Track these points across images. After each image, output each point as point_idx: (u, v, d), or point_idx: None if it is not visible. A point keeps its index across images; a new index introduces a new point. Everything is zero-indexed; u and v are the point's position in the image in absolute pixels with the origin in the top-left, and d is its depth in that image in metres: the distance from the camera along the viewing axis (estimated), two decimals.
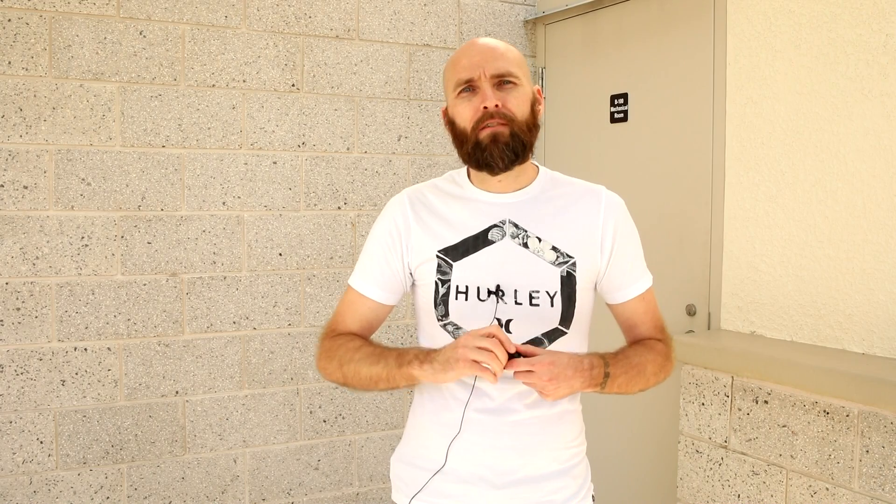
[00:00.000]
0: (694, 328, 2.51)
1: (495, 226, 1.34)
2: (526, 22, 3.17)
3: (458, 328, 1.31)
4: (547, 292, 1.30)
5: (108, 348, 2.53)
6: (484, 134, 1.28)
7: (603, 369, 1.27)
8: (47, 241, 2.44)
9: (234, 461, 2.72)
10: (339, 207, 2.85)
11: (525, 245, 1.32)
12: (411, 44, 2.94)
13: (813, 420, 1.91)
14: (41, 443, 2.45)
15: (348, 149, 2.85)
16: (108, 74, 2.49)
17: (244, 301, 2.71)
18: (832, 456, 1.87)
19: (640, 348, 1.39)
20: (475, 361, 1.18)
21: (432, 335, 1.36)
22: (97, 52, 2.47)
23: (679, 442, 2.28)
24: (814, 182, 2.12)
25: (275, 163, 2.73)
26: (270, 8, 2.70)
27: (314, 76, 2.78)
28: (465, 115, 1.30)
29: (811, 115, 2.13)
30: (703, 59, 2.47)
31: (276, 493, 2.78)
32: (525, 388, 1.28)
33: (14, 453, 2.42)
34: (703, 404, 2.21)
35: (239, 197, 2.69)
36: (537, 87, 1.37)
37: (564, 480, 1.35)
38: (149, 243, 2.56)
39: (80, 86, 2.46)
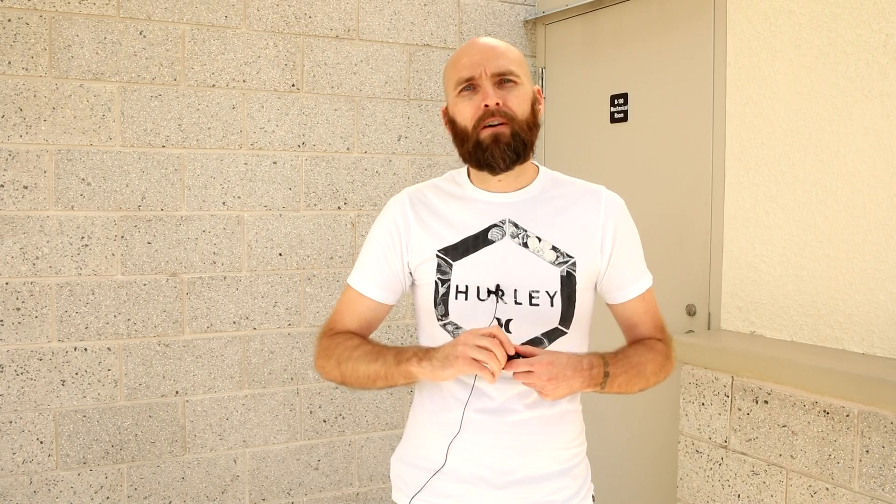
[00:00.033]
0: (694, 328, 2.51)
1: (495, 225, 1.34)
2: (526, 22, 3.17)
3: (458, 328, 1.31)
4: (547, 292, 1.30)
5: (108, 348, 2.53)
6: (485, 134, 1.28)
7: (602, 369, 1.27)
8: (47, 241, 2.44)
9: (234, 461, 2.72)
10: (339, 207, 2.85)
11: (525, 245, 1.32)
12: (411, 44, 2.94)
13: (813, 420, 1.91)
14: (41, 443, 2.45)
15: (348, 149, 2.86)
16: (108, 74, 2.49)
17: (244, 301, 2.71)
18: (832, 456, 1.87)
19: (639, 348, 1.38)
20: (475, 360, 1.18)
21: (432, 335, 1.36)
22: (97, 52, 2.47)
23: (679, 442, 2.28)
24: (814, 182, 2.12)
25: (275, 163, 2.73)
26: (270, 8, 2.70)
27: (314, 76, 2.78)
28: (466, 114, 1.30)
29: (811, 115, 2.13)
30: (703, 59, 2.47)
31: (276, 493, 2.78)
32: (525, 388, 1.28)
33: (14, 453, 2.42)
34: (703, 404, 2.21)
35: (239, 197, 2.69)
36: (537, 86, 1.37)
37: (564, 480, 1.35)
38: (149, 243, 2.56)
39: (80, 86, 2.46)
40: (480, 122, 1.28)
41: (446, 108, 1.37)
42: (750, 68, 2.29)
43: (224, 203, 2.67)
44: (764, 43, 2.25)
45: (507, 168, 1.30)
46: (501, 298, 1.30)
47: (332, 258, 2.84)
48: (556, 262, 1.32)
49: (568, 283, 1.31)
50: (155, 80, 2.55)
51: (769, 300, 2.25)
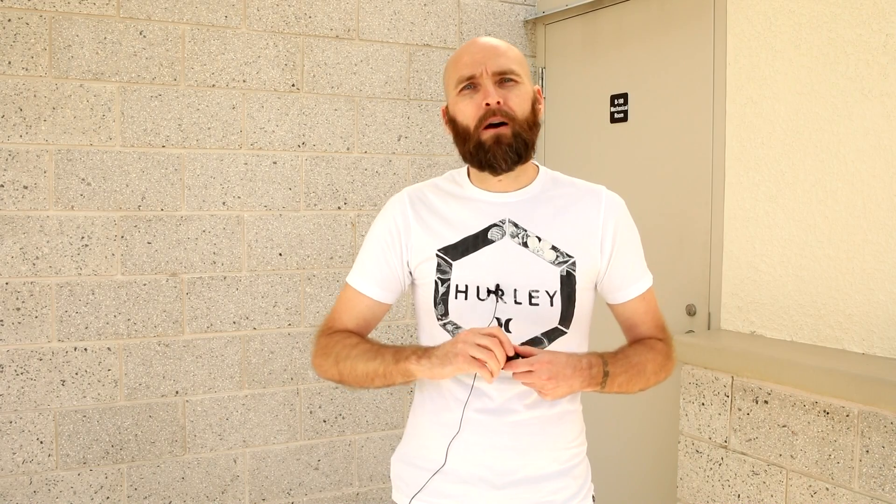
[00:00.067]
0: (694, 328, 2.51)
1: (495, 225, 1.34)
2: (526, 22, 3.17)
3: (458, 327, 1.31)
4: (546, 292, 1.30)
5: (108, 348, 2.53)
6: (487, 135, 1.28)
7: (602, 368, 1.27)
8: (47, 241, 2.44)
9: (234, 461, 2.72)
10: (339, 207, 2.85)
11: (525, 244, 1.32)
12: (411, 44, 2.94)
13: (813, 420, 1.91)
14: (41, 443, 2.45)
15: (348, 149, 2.86)
16: (108, 74, 2.49)
17: (244, 301, 2.71)
18: (832, 456, 1.87)
19: (640, 347, 1.38)
20: (474, 358, 1.18)
21: (432, 335, 1.36)
22: (97, 52, 2.47)
23: (679, 442, 2.28)
24: (814, 182, 2.12)
25: (275, 163, 2.73)
26: (270, 8, 2.70)
27: (314, 76, 2.78)
28: (467, 113, 1.30)
29: (811, 115, 2.13)
30: (703, 59, 2.47)
31: (276, 493, 2.78)
32: (525, 388, 1.28)
33: (14, 453, 2.42)
34: (703, 404, 2.21)
35: (239, 197, 2.69)
36: (537, 86, 1.37)
37: (565, 481, 1.35)
38: (149, 243, 2.56)
39: (80, 86, 2.46)
40: (482, 122, 1.28)
41: (446, 107, 1.37)
42: (750, 68, 2.29)
43: (224, 203, 2.67)
44: (764, 43, 2.25)
45: (509, 169, 1.30)
46: (501, 298, 1.30)
47: (332, 258, 2.84)
48: (556, 262, 1.32)
49: (568, 282, 1.31)
50: (155, 80, 2.55)
51: (769, 300, 2.25)
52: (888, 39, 1.94)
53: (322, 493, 2.86)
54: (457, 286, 1.31)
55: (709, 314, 2.47)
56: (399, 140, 2.94)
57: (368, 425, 2.93)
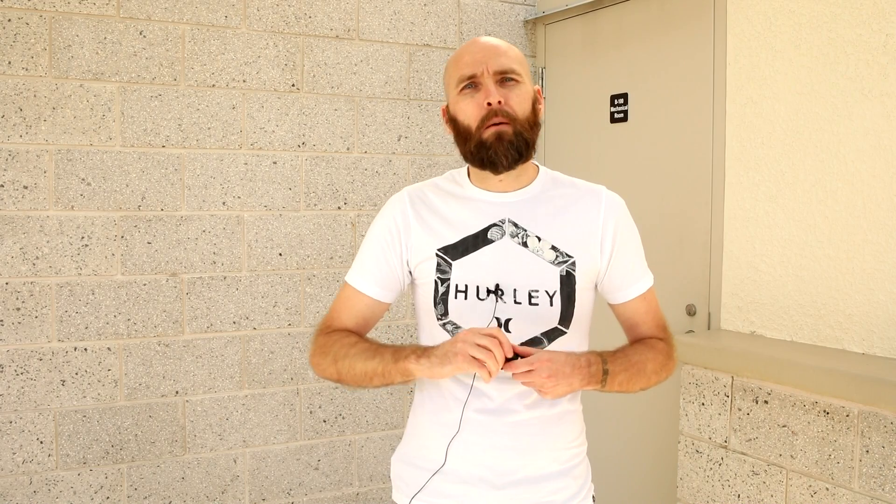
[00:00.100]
0: (694, 328, 2.51)
1: (495, 225, 1.34)
2: (526, 22, 3.17)
3: (458, 327, 1.31)
4: (546, 291, 1.30)
5: (108, 348, 2.53)
6: (488, 133, 1.28)
7: (601, 366, 1.27)
8: (47, 241, 2.44)
9: (234, 461, 2.72)
10: (339, 207, 2.85)
11: (524, 244, 1.32)
12: (411, 44, 2.94)
13: (813, 420, 1.91)
14: (41, 443, 2.45)
15: (348, 149, 2.86)
16: (108, 74, 2.49)
17: (244, 301, 2.71)
18: (832, 456, 1.87)
19: (639, 347, 1.38)
20: (474, 358, 1.18)
21: (432, 334, 1.36)
22: (97, 52, 2.47)
23: (679, 442, 2.28)
24: (814, 182, 2.12)
25: (275, 163, 2.73)
26: (270, 8, 2.70)
27: (314, 76, 2.78)
28: (469, 112, 1.30)
29: (811, 115, 2.13)
30: (703, 59, 2.47)
31: (276, 493, 2.78)
32: (525, 388, 1.28)
33: (14, 453, 2.42)
34: (703, 404, 2.21)
35: (239, 197, 2.69)
36: (537, 86, 1.37)
37: (565, 481, 1.35)
38: (149, 243, 2.56)
39: (80, 86, 2.46)
40: (484, 123, 1.28)
41: (446, 106, 1.37)
42: (750, 68, 2.29)
43: (224, 203, 2.67)
44: (764, 43, 2.25)
45: (510, 166, 1.30)
46: (501, 298, 1.30)
47: (332, 258, 2.84)
48: (556, 262, 1.32)
49: (567, 282, 1.31)
50: (155, 80, 2.55)
51: (769, 300, 2.25)
52: (888, 39, 1.94)
53: (322, 493, 2.86)
54: (456, 286, 1.31)
55: (709, 314, 2.47)
56: (399, 140, 2.94)
57: (368, 425, 2.93)
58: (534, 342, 1.30)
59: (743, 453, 2.09)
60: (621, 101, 2.79)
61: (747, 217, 2.31)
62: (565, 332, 1.32)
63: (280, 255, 2.76)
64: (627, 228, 1.39)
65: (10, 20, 2.36)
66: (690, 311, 2.52)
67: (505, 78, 1.29)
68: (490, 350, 1.17)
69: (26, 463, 2.43)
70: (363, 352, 1.30)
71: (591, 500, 1.42)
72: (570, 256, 1.32)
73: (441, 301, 1.32)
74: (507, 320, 1.30)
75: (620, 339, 1.45)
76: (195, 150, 2.62)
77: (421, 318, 1.40)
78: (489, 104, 1.27)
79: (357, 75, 2.85)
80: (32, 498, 2.44)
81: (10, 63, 2.37)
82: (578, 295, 1.32)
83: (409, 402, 2.97)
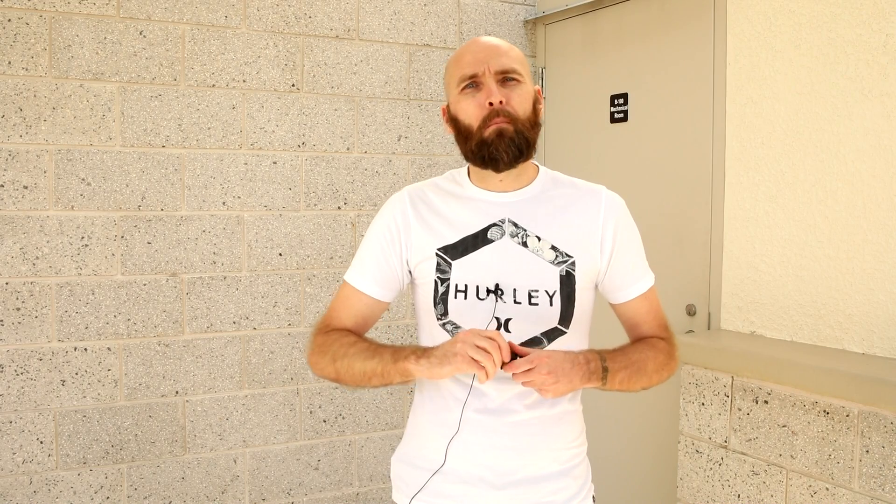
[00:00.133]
0: (694, 328, 2.51)
1: (495, 224, 1.34)
2: (526, 22, 3.17)
3: (458, 327, 1.31)
4: (546, 291, 1.30)
5: (108, 348, 2.53)
6: (489, 130, 1.28)
7: (600, 363, 1.27)
8: (47, 241, 2.44)
9: (234, 461, 2.72)
10: (339, 207, 2.85)
11: (524, 244, 1.32)
12: (411, 44, 2.94)
13: (813, 420, 1.91)
14: (41, 443, 2.45)
15: (348, 149, 2.86)
16: (108, 74, 2.49)
17: (244, 301, 2.71)
18: (832, 456, 1.87)
19: (640, 345, 1.39)
20: (472, 359, 1.18)
21: (432, 334, 1.35)
22: (97, 52, 2.47)
23: (679, 442, 2.28)
24: (814, 182, 2.12)
25: (275, 163, 2.73)
26: (270, 8, 2.70)
27: (314, 76, 2.78)
28: (470, 112, 1.29)
29: (811, 115, 2.13)
30: (703, 59, 2.47)
31: (276, 493, 2.78)
32: (525, 388, 1.28)
33: (14, 453, 2.42)
34: (703, 404, 2.21)
35: (239, 197, 2.69)
36: (537, 87, 1.37)
37: (565, 481, 1.35)
38: (149, 243, 2.56)
39: (80, 86, 2.46)
40: (486, 122, 1.28)
41: (447, 106, 1.37)
42: (750, 68, 2.29)
43: (224, 203, 2.67)
44: (764, 43, 2.25)
45: (511, 164, 1.29)
46: (501, 298, 1.30)
47: (332, 258, 2.84)
48: (556, 262, 1.32)
49: (567, 282, 1.31)
50: (155, 80, 2.55)
51: (769, 300, 2.25)
52: (888, 39, 1.94)
53: (322, 493, 2.86)
54: (456, 286, 1.31)
55: (709, 314, 2.47)
56: (399, 140, 2.94)
57: (368, 425, 2.93)
58: (534, 342, 1.30)
59: (743, 453, 2.09)
60: (621, 101, 2.79)
61: (747, 217, 2.31)
62: (565, 332, 1.32)
63: (280, 255, 2.76)
64: (627, 228, 1.39)
65: (10, 20, 2.36)
66: (690, 311, 2.52)
67: (506, 78, 1.29)
68: (489, 353, 1.17)
69: (26, 463, 2.43)
70: (362, 351, 1.30)
71: (591, 500, 1.42)
72: (569, 256, 1.32)
73: (441, 301, 1.32)
74: (507, 320, 1.30)
75: (621, 340, 1.45)
76: (195, 150, 2.62)
77: (421, 317, 1.40)
78: (491, 104, 1.27)
79: (357, 75, 2.85)
80: (32, 498, 2.44)
81: (10, 63, 2.37)
82: (578, 295, 1.32)
83: (409, 402, 2.97)
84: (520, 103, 1.29)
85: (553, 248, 1.32)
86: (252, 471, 2.75)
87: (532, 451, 1.32)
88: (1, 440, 2.40)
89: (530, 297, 1.30)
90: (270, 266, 2.75)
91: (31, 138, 2.41)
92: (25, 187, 2.40)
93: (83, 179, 2.47)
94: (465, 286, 1.31)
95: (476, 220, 1.35)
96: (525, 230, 1.33)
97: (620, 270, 1.37)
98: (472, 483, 1.32)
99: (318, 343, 1.37)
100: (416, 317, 1.43)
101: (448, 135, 1.38)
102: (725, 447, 2.14)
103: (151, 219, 2.56)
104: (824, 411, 1.88)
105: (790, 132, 2.18)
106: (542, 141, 3.15)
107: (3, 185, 2.38)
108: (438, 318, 1.33)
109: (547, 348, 1.30)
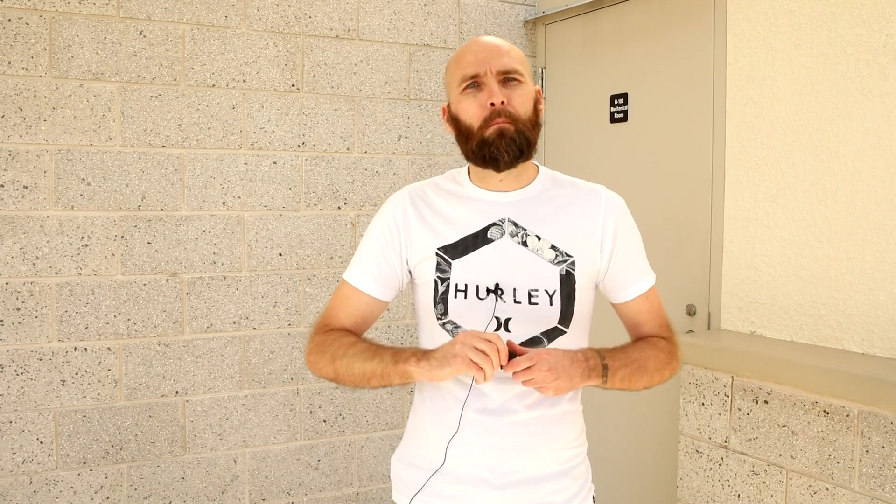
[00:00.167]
0: (694, 328, 2.51)
1: (494, 224, 1.34)
2: (526, 22, 3.17)
3: (458, 327, 1.31)
4: (546, 291, 1.30)
5: (108, 348, 2.53)
6: (490, 130, 1.28)
7: (599, 361, 1.27)
8: (47, 241, 2.44)
9: (234, 461, 2.72)
10: (339, 207, 2.85)
11: (524, 244, 1.32)
12: (411, 44, 2.94)
13: (813, 420, 1.91)
14: (41, 443, 2.45)
15: (348, 149, 2.86)
16: (108, 74, 2.49)
17: (244, 301, 2.71)
18: (832, 456, 1.87)
19: (640, 344, 1.39)
20: (472, 361, 1.18)
21: (432, 334, 1.35)
22: (97, 52, 2.47)
23: (679, 442, 2.28)
24: (814, 182, 2.12)
25: (275, 163, 2.73)
26: (270, 8, 2.70)
27: (314, 76, 2.78)
28: (471, 112, 1.29)
29: (811, 115, 2.13)
30: (703, 59, 2.47)
31: (276, 493, 2.78)
32: (525, 388, 1.28)
33: (14, 453, 2.42)
34: (703, 404, 2.21)
35: (239, 197, 2.69)
36: (538, 87, 1.37)
37: (565, 481, 1.35)
38: (149, 243, 2.56)
39: (80, 86, 2.46)
40: (487, 123, 1.28)
41: (447, 106, 1.37)
42: (750, 68, 2.29)
43: (224, 203, 2.67)
44: (764, 43, 2.25)
45: (512, 163, 1.29)
46: (500, 297, 1.30)
47: (332, 258, 2.84)
48: (556, 261, 1.32)
49: (567, 282, 1.31)
50: (155, 80, 2.55)
51: (769, 300, 2.25)
52: (888, 39, 1.94)
53: (322, 493, 2.85)
54: (456, 285, 1.31)
55: (709, 314, 2.47)
56: (399, 140, 2.94)
57: (368, 425, 2.93)
58: (533, 342, 1.30)
59: (743, 453, 2.09)
60: (621, 101, 2.79)
61: (747, 217, 2.31)
62: (565, 332, 1.32)
63: (280, 255, 2.76)
64: (627, 228, 1.39)
65: (10, 20, 2.36)
66: (690, 311, 2.52)
67: (507, 78, 1.29)
68: (488, 355, 1.17)
69: (26, 463, 2.43)
70: (362, 352, 1.30)
71: (592, 500, 1.42)
72: (569, 256, 1.32)
73: (441, 300, 1.32)
74: (507, 320, 1.29)
75: (621, 339, 1.45)
76: (195, 150, 2.62)
77: (421, 317, 1.40)
78: (492, 104, 1.27)
79: (357, 75, 2.85)
80: (32, 498, 2.44)
81: (10, 63, 2.37)
82: (578, 294, 1.32)
83: (409, 402, 2.97)
84: (521, 104, 1.29)
85: (553, 247, 1.32)
86: (252, 471, 2.75)
87: (532, 452, 1.31)
88: (1, 440, 2.40)
89: (530, 296, 1.30)
90: (270, 266, 2.75)
91: (31, 138, 2.41)
92: (25, 187, 2.40)
93: (83, 179, 2.47)
94: (465, 286, 1.31)
95: (476, 220, 1.34)
96: (525, 230, 1.33)
97: (621, 270, 1.37)
98: (472, 483, 1.32)
99: (316, 342, 1.36)
100: (416, 317, 1.43)
101: (448, 135, 1.38)
102: (725, 447, 2.14)
103: (151, 219, 2.56)
104: (824, 411, 1.88)
105: (790, 132, 2.18)
106: (543, 141, 3.15)
107: (3, 185, 2.38)
108: (438, 318, 1.33)
109: (547, 348, 1.30)
